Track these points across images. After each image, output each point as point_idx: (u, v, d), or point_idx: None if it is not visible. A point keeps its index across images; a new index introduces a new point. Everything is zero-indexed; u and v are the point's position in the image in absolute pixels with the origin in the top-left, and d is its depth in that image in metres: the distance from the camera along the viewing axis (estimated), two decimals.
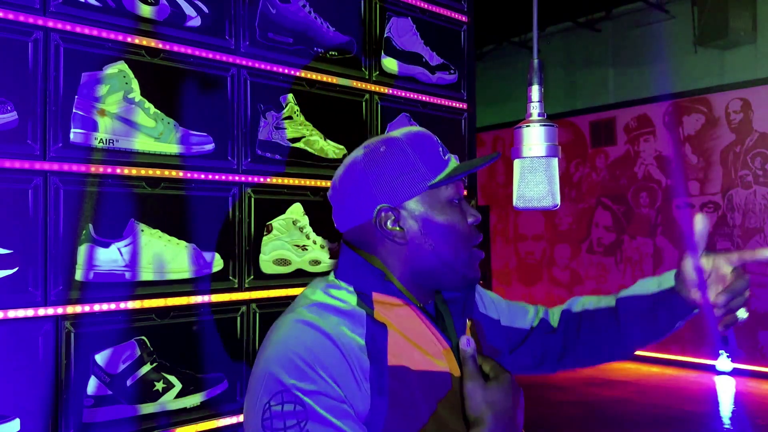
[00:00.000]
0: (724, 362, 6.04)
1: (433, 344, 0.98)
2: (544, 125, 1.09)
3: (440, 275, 1.01)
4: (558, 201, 1.08)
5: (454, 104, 2.71)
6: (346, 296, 0.98)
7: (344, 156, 2.33)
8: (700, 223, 1.05)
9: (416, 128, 1.05)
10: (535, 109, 1.11)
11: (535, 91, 1.11)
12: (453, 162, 1.03)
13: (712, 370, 6.10)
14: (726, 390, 5.62)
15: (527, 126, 1.09)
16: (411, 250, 1.00)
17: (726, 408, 5.23)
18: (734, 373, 5.97)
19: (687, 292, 1.10)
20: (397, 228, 0.99)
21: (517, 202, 1.10)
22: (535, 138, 1.08)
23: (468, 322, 1.09)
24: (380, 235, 1.00)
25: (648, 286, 1.18)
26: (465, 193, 1.08)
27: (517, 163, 1.10)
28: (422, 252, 1.00)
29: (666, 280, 1.16)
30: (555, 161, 1.09)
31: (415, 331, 0.97)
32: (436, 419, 0.93)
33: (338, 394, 0.87)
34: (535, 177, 1.07)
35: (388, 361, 0.92)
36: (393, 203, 0.99)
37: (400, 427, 0.90)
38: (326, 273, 1.11)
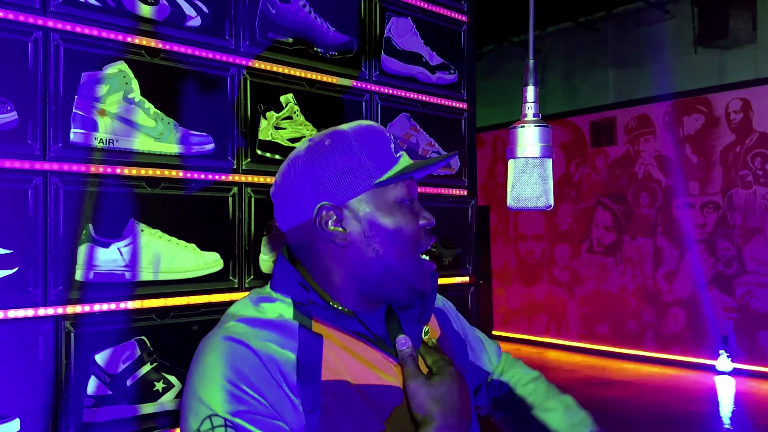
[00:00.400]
0: (724, 362, 6.04)
1: (379, 359, 0.90)
2: (538, 126, 1.09)
3: (385, 284, 0.92)
4: (551, 202, 1.08)
5: (454, 104, 2.71)
6: (281, 308, 0.91)
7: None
8: None
9: (367, 122, 0.98)
10: (529, 109, 1.11)
11: (530, 92, 1.12)
12: (405, 159, 0.95)
13: (712, 370, 6.10)
14: (726, 390, 5.62)
15: (522, 126, 1.10)
16: (354, 253, 0.91)
17: (726, 408, 5.23)
18: (734, 373, 5.98)
19: None
20: (339, 229, 0.91)
21: (511, 202, 1.10)
22: (529, 138, 1.08)
23: (426, 327, 1.00)
24: (321, 235, 0.92)
25: None
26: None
27: (511, 163, 1.10)
28: (366, 256, 0.91)
29: None
30: (549, 162, 1.09)
31: (358, 344, 0.90)
32: None
33: (270, 410, 0.81)
34: (529, 177, 1.07)
35: (323, 376, 0.85)
36: (335, 202, 0.91)
37: None
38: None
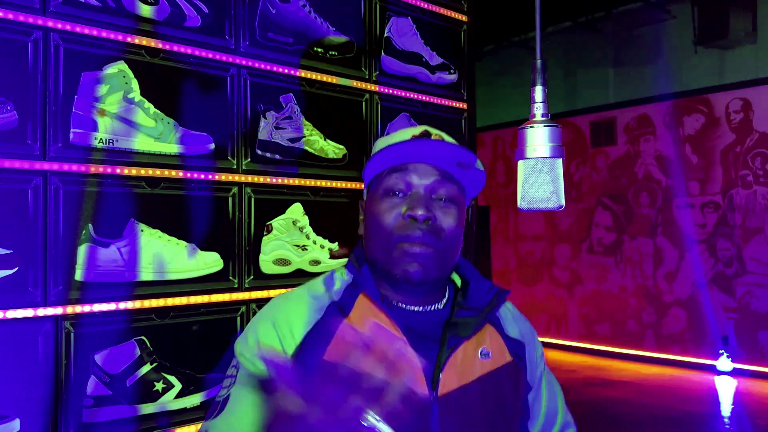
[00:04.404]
0: (724, 362, 6.03)
1: (396, 351, 0.85)
2: (547, 126, 1.08)
3: (381, 269, 0.97)
4: (563, 202, 1.07)
5: (454, 104, 2.71)
6: (336, 285, 0.99)
7: (344, 156, 2.33)
8: None
9: (411, 128, 1.03)
10: (538, 109, 1.10)
11: (538, 92, 1.11)
12: (400, 148, 0.96)
13: (712, 370, 6.09)
14: (726, 390, 5.61)
15: (531, 127, 1.09)
16: (365, 241, 1.02)
17: (726, 408, 5.23)
18: (734, 373, 5.97)
19: None
20: (361, 217, 1.03)
21: (521, 203, 1.09)
22: (539, 139, 1.07)
23: (500, 360, 0.98)
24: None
25: None
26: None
27: (521, 164, 1.09)
28: (368, 244, 1.00)
29: None
30: (559, 162, 1.08)
31: (379, 330, 0.87)
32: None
33: (259, 370, 0.90)
34: (540, 178, 1.06)
35: (325, 355, 0.88)
36: (364, 197, 1.04)
37: (320, 426, 0.80)
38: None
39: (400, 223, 0.94)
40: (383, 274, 0.97)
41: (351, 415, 0.81)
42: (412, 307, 0.98)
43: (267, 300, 2.11)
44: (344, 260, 2.29)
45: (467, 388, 0.93)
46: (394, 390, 0.84)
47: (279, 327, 0.93)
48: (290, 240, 2.17)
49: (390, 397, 0.83)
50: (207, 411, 0.95)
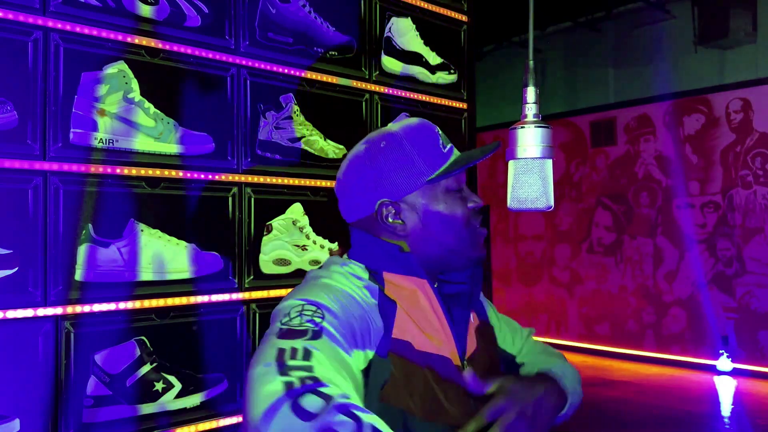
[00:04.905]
0: (724, 362, 6.03)
1: (435, 328, 1.01)
2: (538, 126, 1.09)
3: (446, 260, 1.05)
4: (552, 203, 1.08)
5: (454, 104, 2.71)
6: (360, 272, 1.02)
7: (344, 156, 2.33)
8: None
9: (416, 120, 1.09)
10: (530, 110, 1.11)
11: (530, 93, 1.11)
12: (454, 153, 1.07)
13: (712, 370, 6.09)
14: (726, 390, 5.62)
15: (522, 127, 1.09)
16: (413, 240, 1.04)
17: (726, 408, 5.23)
18: (734, 373, 5.97)
19: None
20: (399, 221, 1.03)
21: (511, 203, 1.10)
22: (529, 139, 1.08)
23: (475, 322, 1.12)
24: (383, 227, 1.04)
25: None
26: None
27: (511, 164, 1.10)
28: (425, 241, 1.04)
29: None
30: (549, 163, 1.09)
31: (419, 313, 1.01)
32: (433, 397, 0.97)
33: (349, 339, 0.90)
34: (529, 178, 1.07)
35: (393, 333, 0.97)
36: (393, 198, 1.03)
37: (398, 396, 0.94)
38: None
39: (471, 213, 1.06)
40: (445, 260, 1.05)
41: (421, 384, 0.98)
42: None
43: (267, 300, 2.11)
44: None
45: (476, 348, 1.09)
46: (445, 361, 1.01)
47: (362, 303, 0.97)
48: (290, 240, 2.17)
49: (444, 367, 1.00)
50: (282, 333, 0.85)
